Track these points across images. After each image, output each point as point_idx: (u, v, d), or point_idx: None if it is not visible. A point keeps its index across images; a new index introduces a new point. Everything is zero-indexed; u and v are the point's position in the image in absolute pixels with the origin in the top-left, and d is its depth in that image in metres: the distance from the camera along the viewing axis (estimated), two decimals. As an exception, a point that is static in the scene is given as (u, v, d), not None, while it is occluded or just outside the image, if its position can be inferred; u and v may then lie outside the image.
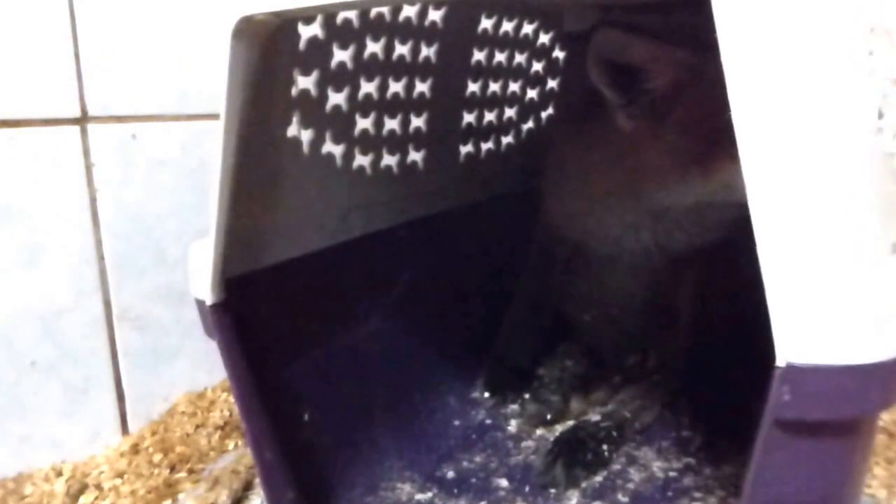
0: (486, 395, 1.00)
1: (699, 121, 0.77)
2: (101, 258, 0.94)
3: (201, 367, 1.06)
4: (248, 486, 0.90)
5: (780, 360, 0.44)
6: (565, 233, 1.00)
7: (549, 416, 0.96)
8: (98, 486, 0.90)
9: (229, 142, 0.61)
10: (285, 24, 0.65)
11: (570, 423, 0.94)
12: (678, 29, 0.78)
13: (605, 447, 0.86)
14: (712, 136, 0.74)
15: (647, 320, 1.01)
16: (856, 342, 0.43)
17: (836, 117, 0.46)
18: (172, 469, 0.93)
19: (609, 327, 1.04)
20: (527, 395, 0.99)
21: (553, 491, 0.81)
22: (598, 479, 0.83)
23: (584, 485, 0.82)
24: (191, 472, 0.93)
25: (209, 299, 0.66)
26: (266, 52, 0.62)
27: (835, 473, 0.49)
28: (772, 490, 0.49)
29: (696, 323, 0.98)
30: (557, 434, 0.91)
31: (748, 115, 0.45)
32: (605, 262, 0.99)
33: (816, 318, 0.43)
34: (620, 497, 0.80)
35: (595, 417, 0.91)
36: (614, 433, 0.88)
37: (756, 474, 0.49)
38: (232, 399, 1.05)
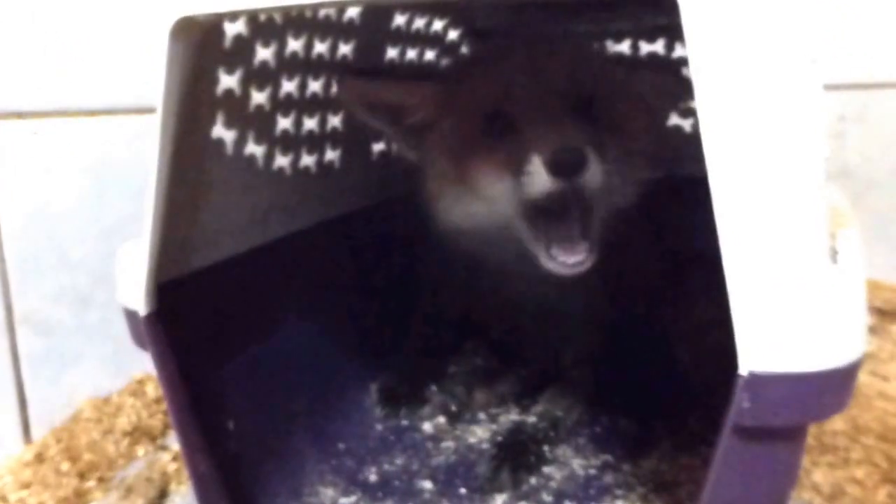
0: (381, 407, 0.98)
1: (456, 141, 0.83)
2: (1, 260, 0.90)
3: (106, 371, 1.02)
4: (162, 494, 0.87)
5: (742, 369, 0.45)
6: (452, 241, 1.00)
7: (453, 408, 0.96)
8: (3, 498, 0.86)
9: (165, 143, 0.60)
10: (216, 22, 0.64)
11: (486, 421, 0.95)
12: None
13: (545, 448, 0.87)
14: (464, 152, 0.82)
15: (549, 320, 1.02)
16: (814, 350, 0.45)
17: (792, 126, 0.47)
18: (81, 477, 0.90)
19: (514, 328, 1.05)
20: (434, 388, 1.00)
21: (478, 494, 0.81)
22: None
23: (511, 490, 0.82)
24: (101, 480, 0.90)
25: (143, 309, 0.64)
26: (198, 50, 0.61)
27: (785, 475, 0.52)
28: (728, 493, 0.51)
29: (600, 320, 1.00)
30: (495, 437, 0.91)
31: (712, 130, 0.46)
32: (490, 269, 0.98)
33: (775, 327, 0.45)
34: (545, 496, 0.81)
35: (531, 419, 0.92)
36: (551, 433, 0.89)
37: (715, 479, 0.50)
38: (139, 404, 1.02)
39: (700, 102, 0.46)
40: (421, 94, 0.83)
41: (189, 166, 0.66)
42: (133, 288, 0.64)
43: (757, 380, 0.45)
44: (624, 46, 1.13)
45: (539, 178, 0.75)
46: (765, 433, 0.48)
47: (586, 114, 0.80)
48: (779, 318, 0.45)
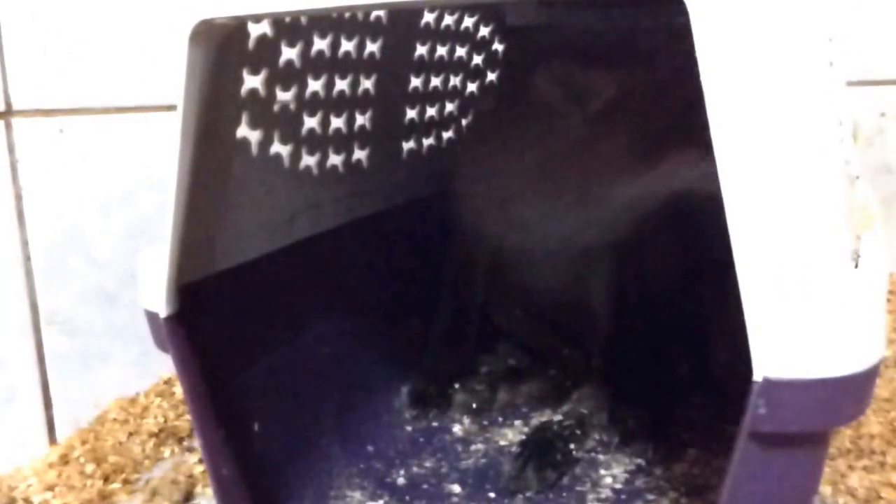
0: (410, 410, 0.97)
1: (644, 121, 0.83)
2: (27, 259, 0.90)
3: (133, 371, 1.02)
4: (188, 497, 0.87)
5: (757, 375, 0.44)
6: (486, 230, 0.99)
7: (474, 405, 0.96)
8: (27, 500, 0.86)
9: (186, 145, 0.59)
10: (239, 25, 0.63)
11: (537, 423, 0.94)
12: (651, 35, 0.86)
13: (571, 446, 0.86)
14: (654, 133, 0.82)
15: (570, 318, 1.02)
16: (831, 355, 0.44)
17: (807, 128, 0.46)
18: (106, 479, 0.89)
19: (536, 325, 1.05)
20: (456, 386, 0.99)
21: (507, 498, 0.80)
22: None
23: (536, 489, 0.81)
24: (126, 482, 0.90)
25: (163, 311, 0.63)
26: (220, 53, 0.60)
27: (805, 482, 0.50)
28: (747, 501, 0.50)
29: (616, 318, 0.99)
30: (522, 437, 0.90)
31: (725, 133, 0.45)
32: (524, 258, 0.99)
33: (791, 332, 0.44)
34: (573, 501, 0.79)
35: (556, 417, 0.91)
36: (577, 431, 0.88)
37: (732, 487, 0.49)
38: (166, 405, 1.02)
39: (710, 103, 0.45)
40: (616, 81, 0.84)
41: (212, 167, 0.65)
42: (154, 290, 0.63)
43: (772, 386, 0.44)
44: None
45: None
46: (782, 439, 0.47)
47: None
48: (793, 323, 0.44)
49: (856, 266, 0.47)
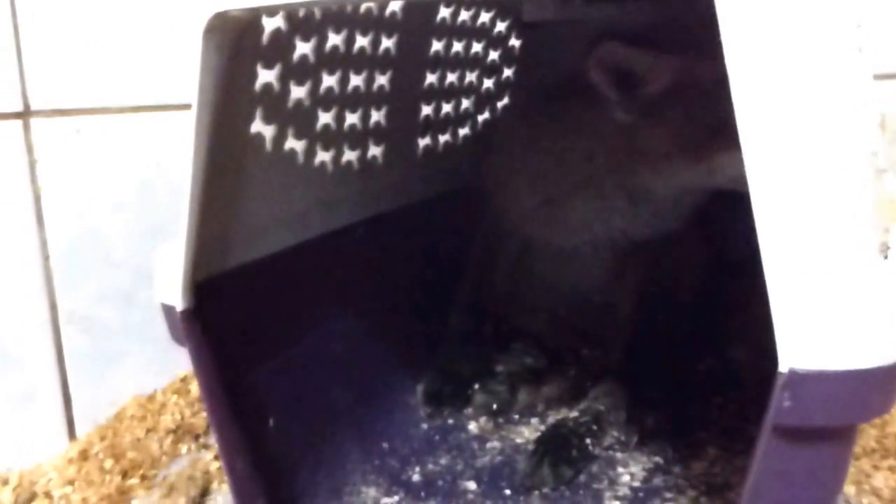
0: (425, 408, 0.97)
1: (693, 115, 0.80)
2: (46, 258, 0.91)
3: (150, 369, 1.02)
4: (204, 492, 0.87)
5: (783, 366, 0.43)
6: (518, 229, 0.99)
7: (494, 407, 0.96)
8: (47, 495, 0.87)
9: (200, 141, 0.59)
10: (253, 19, 0.63)
11: (551, 419, 0.94)
12: (672, 30, 0.83)
13: (587, 441, 0.86)
14: (705, 127, 0.78)
15: (593, 317, 1.02)
16: (857, 347, 0.43)
17: (834, 119, 0.46)
18: (124, 475, 0.90)
19: (558, 325, 1.04)
20: (476, 386, 0.98)
21: (522, 496, 0.80)
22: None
23: (551, 485, 0.81)
24: (143, 478, 0.90)
25: (180, 305, 0.63)
26: (234, 47, 0.60)
27: (831, 479, 0.49)
28: (770, 496, 0.49)
29: (638, 317, 1.00)
30: (539, 434, 0.90)
31: (751, 124, 0.44)
32: (556, 257, 0.99)
33: (818, 323, 0.43)
34: (589, 499, 0.79)
35: (573, 414, 0.91)
36: (594, 427, 0.87)
37: (755, 481, 0.48)
38: (183, 402, 1.02)
39: (736, 95, 0.44)
40: (670, 67, 0.81)
41: (226, 162, 0.66)
42: (171, 284, 0.63)
43: (797, 378, 0.43)
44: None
45: None
46: (807, 433, 0.46)
47: None
48: (820, 314, 0.43)
49: (885, 258, 0.46)
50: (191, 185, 0.60)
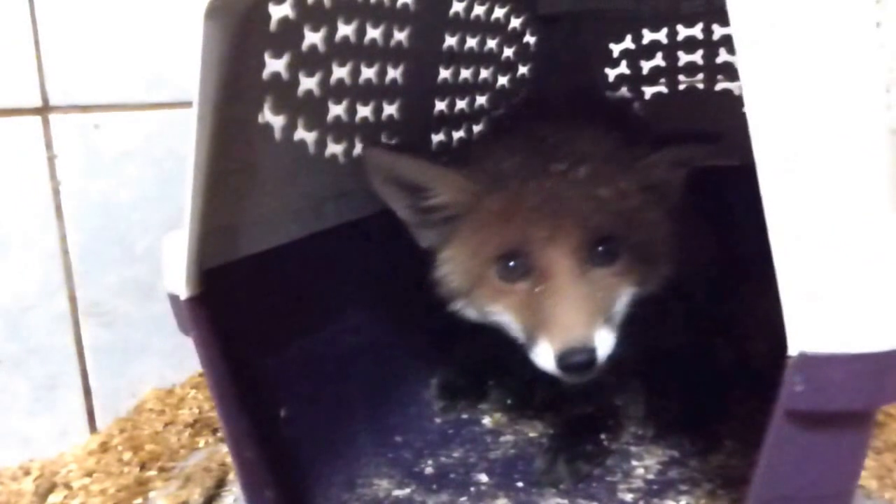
0: (439, 401, 0.97)
1: (478, 244, 0.79)
2: (65, 252, 0.92)
3: (169, 363, 1.03)
4: (220, 484, 0.88)
5: (793, 350, 0.42)
6: None
7: (509, 401, 0.96)
8: (67, 485, 0.88)
9: (203, 128, 0.59)
10: (257, 3, 0.63)
11: (571, 412, 0.92)
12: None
13: (603, 436, 0.85)
14: (486, 262, 0.78)
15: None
16: (872, 330, 0.41)
17: (848, 95, 0.44)
18: (143, 467, 0.91)
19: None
20: (492, 382, 0.99)
21: (535, 488, 0.80)
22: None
23: (568, 482, 0.80)
24: (161, 470, 0.91)
25: (184, 293, 0.64)
26: (239, 33, 0.60)
27: (847, 465, 0.48)
28: (782, 484, 0.48)
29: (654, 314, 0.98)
30: (552, 429, 0.90)
31: (759, 94, 0.43)
32: None
33: (830, 305, 0.41)
34: (602, 492, 0.79)
35: (589, 409, 0.90)
36: (610, 422, 0.87)
37: (766, 468, 0.47)
38: (202, 396, 1.03)
39: (743, 68, 0.43)
40: (447, 183, 0.79)
41: (233, 152, 0.66)
42: (176, 273, 0.64)
43: (809, 361, 0.42)
44: (696, 30, 1.10)
45: (547, 364, 0.73)
46: (821, 418, 0.44)
47: (606, 252, 0.76)
48: (832, 293, 0.41)
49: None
50: (193, 174, 0.60)
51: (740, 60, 0.43)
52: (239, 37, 0.60)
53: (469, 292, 0.81)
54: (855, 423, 0.46)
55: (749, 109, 0.43)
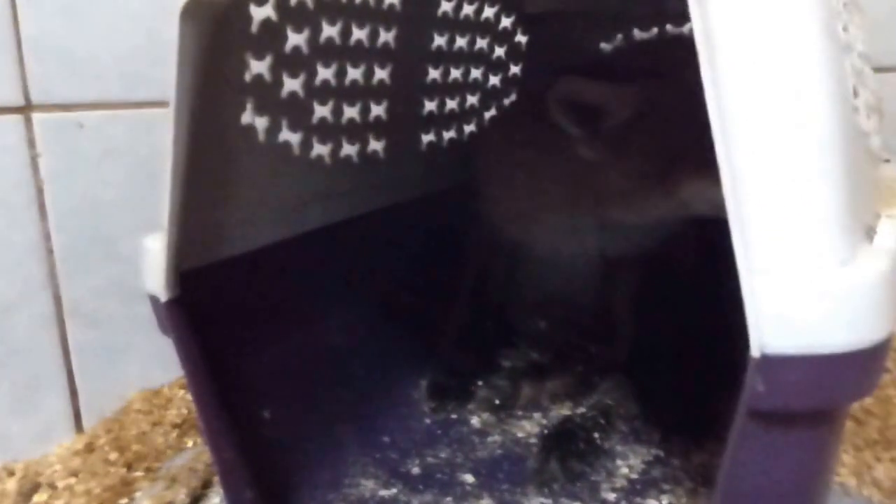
0: (429, 402, 0.96)
1: (660, 145, 0.79)
2: (49, 252, 0.91)
3: (156, 363, 1.02)
4: (206, 485, 0.87)
5: (754, 350, 0.42)
6: (502, 231, 0.99)
7: (497, 401, 0.95)
8: (51, 485, 0.87)
9: (180, 129, 0.59)
10: (236, 3, 0.63)
11: (563, 412, 0.93)
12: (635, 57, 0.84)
13: (595, 435, 0.85)
14: (671, 158, 0.77)
15: (594, 321, 1.02)
16: (832, 330, 0.41)
17: (814, 96, 0.43)
18: (129, 467, 0.90)
19: (560, 323, 1.04)
20: (479, 382, 0.98)
21: (520, 488, 0.79)
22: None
23: (562, 481, 0.80)
24: (148, 470, 0.90)
25: (163, 295, 0.63)
26: (217, 33, 0.60)
27: (810, 463, 0.48)
28: (746, 482, 0.48)
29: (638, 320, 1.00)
30: (541, 429, 0.90)
31: (720, 96, 0.43)
32: (546, 264, 0.98)
33: (791, 305, 0.42)
34: (584, 492, 0.78)
35: (580, 409, 0.91)
36: (602, 421, 0.87)
37: (730, 466, 0.47)
38: (189, 397, 1.02)
39: (705, 72, 0.43)
40: (630, 99, 0.79)
41: (212, 153, 0.66)
42: (155, 274, 0.63)
43: (770, 362, 0.42)
44: (685, 29, 1.09)
45: None
46: (784, 418, 0.45)
47: None
48: (793, 295, 0.41)
49: (870, 242, 0.45)
50: (171, 175, 0.60)
51: (701, 62, 0.43)
52: (216, 38, 0.60)
53: (656, 184, 0.81)
54: (818, 422, 0.46)
55: (710, 105, 0.43)
